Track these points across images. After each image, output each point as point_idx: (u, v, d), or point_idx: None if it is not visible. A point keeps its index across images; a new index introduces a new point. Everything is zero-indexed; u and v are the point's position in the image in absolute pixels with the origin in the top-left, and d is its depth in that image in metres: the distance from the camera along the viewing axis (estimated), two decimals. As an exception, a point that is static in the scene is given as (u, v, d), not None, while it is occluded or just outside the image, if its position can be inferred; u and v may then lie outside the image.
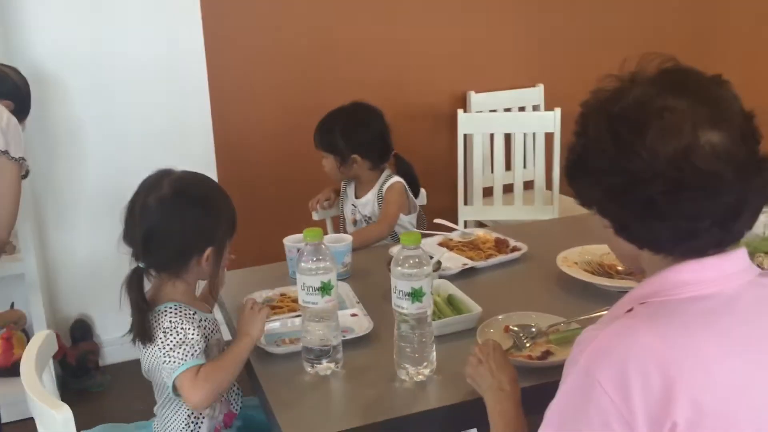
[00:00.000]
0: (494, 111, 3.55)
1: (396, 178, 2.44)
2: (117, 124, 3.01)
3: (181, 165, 1.64)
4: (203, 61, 3.07)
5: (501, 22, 3.59)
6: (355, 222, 2.50)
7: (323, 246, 1.50)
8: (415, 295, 1.41)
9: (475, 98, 3.57)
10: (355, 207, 2.50)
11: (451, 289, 1.79)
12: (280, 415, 1.40)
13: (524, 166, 3.27)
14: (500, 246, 2.12)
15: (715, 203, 1.01)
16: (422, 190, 2.63)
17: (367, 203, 2.45)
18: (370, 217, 2.45)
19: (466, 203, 3.24)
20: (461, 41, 3.54)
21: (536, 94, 3.62)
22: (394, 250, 1.90)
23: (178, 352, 1.48)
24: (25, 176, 2.19)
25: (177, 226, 1.55)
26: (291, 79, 3.30)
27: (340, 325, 1.56)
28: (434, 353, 1.48)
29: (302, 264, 1.49)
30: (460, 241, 2.17)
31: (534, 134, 3.26)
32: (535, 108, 3.61)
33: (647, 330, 1.01)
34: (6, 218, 2.11)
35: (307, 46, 3.29)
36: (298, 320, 1.65)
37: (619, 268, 1.87)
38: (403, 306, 1.42)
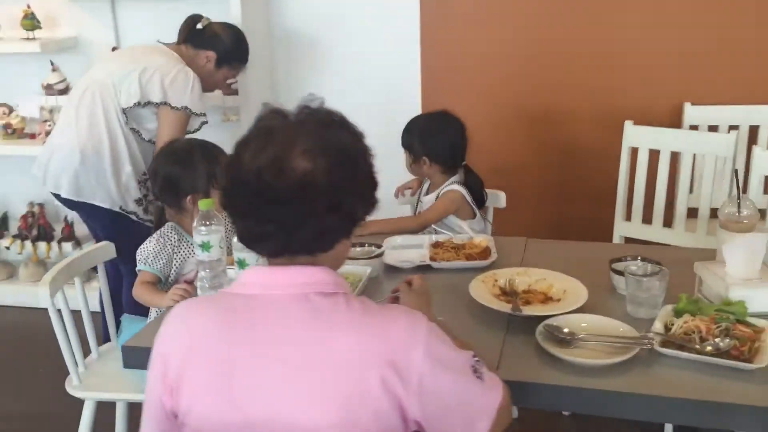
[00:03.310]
0: (715, 126, 3.26)
1: (455, 186, 2.60)
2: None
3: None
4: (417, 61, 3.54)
5: (734, 25, 3.25)
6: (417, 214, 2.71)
7: (212, 212, 1.90)
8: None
9: (691, 111, 3.31)
10: (421, 202, 2.71)
11: (364, 274, 2.02)
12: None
13: (690, 191, 2.98)
14: (485, 253, 2.19)
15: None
16: (501, 194, 2.73)
17: (429, 201, 2.65)
18: None
19: (628, 218, 3.10)
20: (681, 47, 3.32)
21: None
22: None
23: (139, 255, 2.13)
24: (198, 128, 2.87)
25: (164, 178, 2.17)
26: (503, 78, 3.51)
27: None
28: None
29: (194, 225, 1.92)
30: (453, 242, 2.29)
31: (704, 156, 2.95)
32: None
33: None
34: None
35: (521, 48, 3.46)
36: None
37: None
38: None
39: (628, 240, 3.07)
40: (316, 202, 1.20)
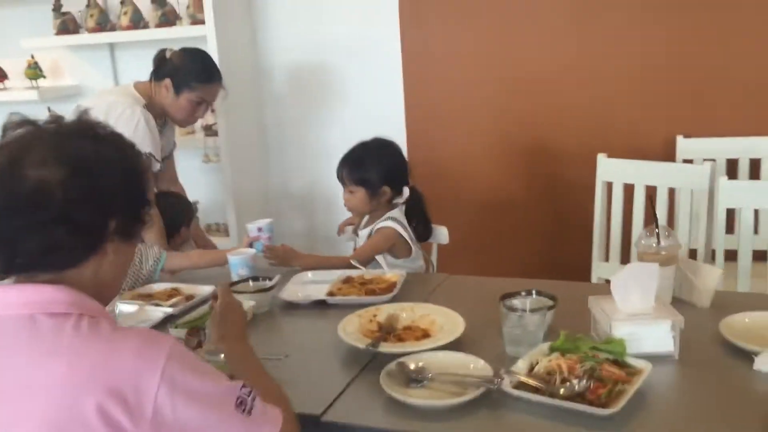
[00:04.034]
0: (711, 160, 3.01)
1: (389, 222, 2.46)
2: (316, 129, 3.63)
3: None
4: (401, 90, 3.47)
5: (727, 54, 3.01)
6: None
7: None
8: None
9: (684, 144, 3.08)
10: (357, 236, 2.59)
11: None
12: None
13: (671, 227, 2.73)
14: (390, 288, 2.06)
15: None
16: (443, 229, 2.57)
17: (363, 237, 2.53)
18: None
19: (606, 259, 2.88)
20: (672, 77, 3.10)
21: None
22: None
23: None
24: (159, 169, 2.83)
25: None
26: (485, 104, 3.39)
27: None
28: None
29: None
30: (364, 277, 2.16)
31: (681, 189, 2.70)
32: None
33: None
34: None
35: (505, 81, 3.34)
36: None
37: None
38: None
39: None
40: (38, 213, 1.13)
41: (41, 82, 3.81)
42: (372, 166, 2.49)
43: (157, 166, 2.70)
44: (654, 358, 1.56)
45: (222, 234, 3.61)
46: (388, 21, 3.41)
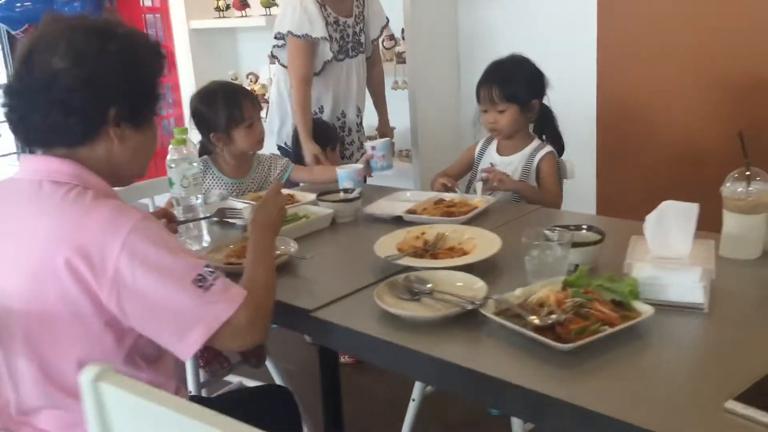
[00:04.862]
0: None
1: (548, 148, 2.39)
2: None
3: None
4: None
5: None
6: (487, 180, 2.37)
7: (181, 149, 1.98)
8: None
9: None
10: (492, 165, 2.45)
11: (320, 215, 2.05)
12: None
13: None
14: (467, 212, 2.03)
15: None
16: (568, 164, 2.42)
17: (510, 164, 2.43)
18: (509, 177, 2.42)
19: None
20: None
21: None
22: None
23: None
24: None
25: (192, 115, 2.42)
26: (686, 42, 3.05)
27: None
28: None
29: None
30: (454, 200, 2.15)
31: None
32: None
33: None
34: None
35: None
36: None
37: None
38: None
39: None
40: (41, 95, 1.33)
41: (273, 9, 4.16)
42: (522, 81, 2.42)
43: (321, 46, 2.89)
44: (678, 310, 1.40)
45: (408, 161, 3.71)
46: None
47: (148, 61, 1.43)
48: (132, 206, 1.37)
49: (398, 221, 2.06)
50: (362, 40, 3.02)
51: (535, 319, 1.35)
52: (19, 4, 5.29)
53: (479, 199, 2.13)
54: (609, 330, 1.31)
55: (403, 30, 3.52)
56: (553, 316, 1.34)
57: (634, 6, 3.13)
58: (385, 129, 3.24)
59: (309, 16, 2.83)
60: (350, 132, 3.09)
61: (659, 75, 3.13)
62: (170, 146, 1.93)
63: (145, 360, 1.41)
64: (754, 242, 1.62)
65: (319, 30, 2.84)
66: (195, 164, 1.93)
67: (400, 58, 3.57)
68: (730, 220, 1.63)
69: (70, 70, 1.33)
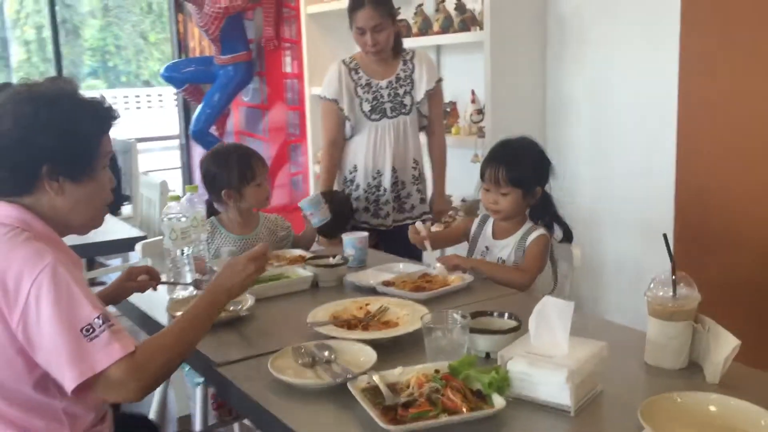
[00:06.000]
0: None
1: (542, 230, 2.36)
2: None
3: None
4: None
5: None
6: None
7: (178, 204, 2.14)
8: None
9: None
10: (487, 249, 2.45)
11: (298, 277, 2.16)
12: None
13: None
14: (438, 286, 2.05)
15: None
16: (575, 251, 2.33)
17: (506, 247, 2.41)
18: (504, 261, 2.40)
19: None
20: None
21: None
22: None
23: None
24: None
25: (204, 175, 2.61)
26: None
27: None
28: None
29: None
30: (437, 276, 2.18)
31: None
32: None
33: None
34: None
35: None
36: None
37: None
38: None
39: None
40: None
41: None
42: (529, 166, 2.40)
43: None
44: (548, 410, 1.36)
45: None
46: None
47: (86, 123, 1.62)
48: (54, 252, 1.54)
49: (373, 291, 2.11)
50: (406, 102, 3.12)
51: (386, 399, 1.37)
52: (184, 68, 5.96)
53: (457, 277, 2.13)
54: (445, 419, 1.30)
55: (483, 105, 3.58)
56: (402, 398, 1.35)
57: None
58: (435, 198, 3.28)
59: (329, 78, 3.10)
60: (385, 192, 3.14)
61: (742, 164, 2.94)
62: (168, 201, 2.14)
63: (60, 390, 1.55)
64: (676, 352, 1.52)
65: (333, 92, 3.07)
66: (184, 219, 2.10)
67: (481, 132, 3.61)
68: (654, 327, 1.54)
69: (11, 131, 1.55)
